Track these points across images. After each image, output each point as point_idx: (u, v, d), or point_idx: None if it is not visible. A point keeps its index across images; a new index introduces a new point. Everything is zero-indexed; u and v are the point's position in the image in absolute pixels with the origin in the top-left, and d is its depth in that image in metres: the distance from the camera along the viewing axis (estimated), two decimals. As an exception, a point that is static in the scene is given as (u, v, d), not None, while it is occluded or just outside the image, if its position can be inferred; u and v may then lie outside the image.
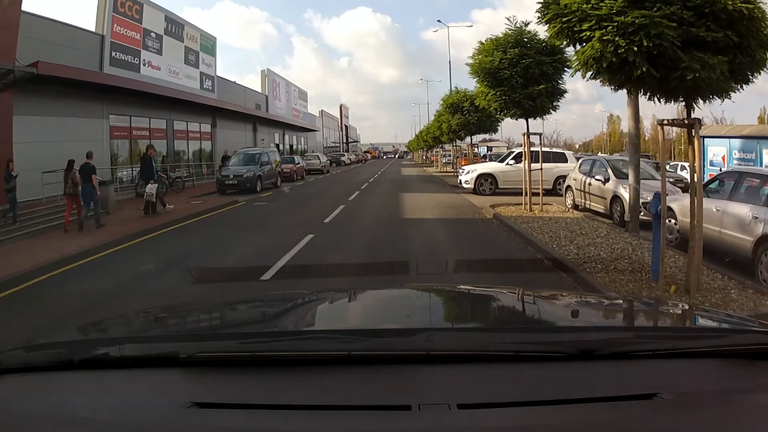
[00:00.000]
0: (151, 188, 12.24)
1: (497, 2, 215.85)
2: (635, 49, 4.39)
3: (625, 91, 5.64)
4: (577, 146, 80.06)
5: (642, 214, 8.77)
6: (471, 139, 26.99)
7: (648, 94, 5.37)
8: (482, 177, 16.84)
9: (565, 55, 10.55)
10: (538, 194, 11.49)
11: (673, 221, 8.02)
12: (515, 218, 10.19)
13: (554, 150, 18.85)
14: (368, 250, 7.59)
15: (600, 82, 5.46)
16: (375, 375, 1.02)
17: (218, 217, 12.48)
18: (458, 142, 30.15)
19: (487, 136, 36.65)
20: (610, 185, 10.70)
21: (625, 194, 10.06)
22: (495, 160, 21.35)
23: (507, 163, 16.91)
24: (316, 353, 1.08)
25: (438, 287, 2.23)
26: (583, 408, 0.91)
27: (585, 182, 11.79)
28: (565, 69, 10.68)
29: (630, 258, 6.64)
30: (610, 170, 10.97)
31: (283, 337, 1.29)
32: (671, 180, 11.51)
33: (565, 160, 16.82)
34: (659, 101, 5.36)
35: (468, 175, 17.33)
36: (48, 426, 0.92)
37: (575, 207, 12.29)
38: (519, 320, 1.55)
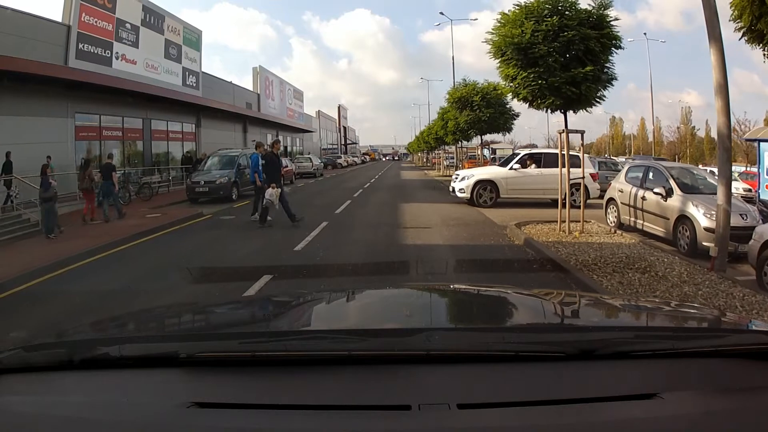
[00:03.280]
0: (272, 194, 10.03)
1: (495, 4, 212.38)
2: None
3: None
4: (577, 148, 77.04)
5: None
6: (482, 139, 24.15)
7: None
8: (481, 185, 13.71)
9: (614, 30, 8.10)
10: (545, 205, 8.94)
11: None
12: (555, 245, 7.57)
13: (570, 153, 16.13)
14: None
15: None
16: (375, 375, 1.01)
17: (159, 241, 9.45)
18: (464, 142, 27.60)
19: (496, 137, 33.81)
20: (674, 201, 8.15)
21: (698, 215, 7.54)
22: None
23: (511, 168, 13.84)
24: (316, 353, 1.07)
25: (438, 287, 2.20)
26: (583, 408, 0.90)
27: (636, 195, 9.21)
28: (613, 49, 8.19)
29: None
30: (672, 181, 8.43)
31: (283, 337, 1.26)
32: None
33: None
34: None
35: (463, 182, 14.03)
36: (48, 426, 0.91)
37: (620, 226, 9.75)
38: (519, 320, 1.52)
